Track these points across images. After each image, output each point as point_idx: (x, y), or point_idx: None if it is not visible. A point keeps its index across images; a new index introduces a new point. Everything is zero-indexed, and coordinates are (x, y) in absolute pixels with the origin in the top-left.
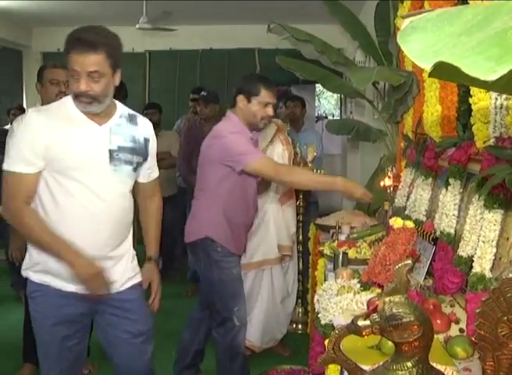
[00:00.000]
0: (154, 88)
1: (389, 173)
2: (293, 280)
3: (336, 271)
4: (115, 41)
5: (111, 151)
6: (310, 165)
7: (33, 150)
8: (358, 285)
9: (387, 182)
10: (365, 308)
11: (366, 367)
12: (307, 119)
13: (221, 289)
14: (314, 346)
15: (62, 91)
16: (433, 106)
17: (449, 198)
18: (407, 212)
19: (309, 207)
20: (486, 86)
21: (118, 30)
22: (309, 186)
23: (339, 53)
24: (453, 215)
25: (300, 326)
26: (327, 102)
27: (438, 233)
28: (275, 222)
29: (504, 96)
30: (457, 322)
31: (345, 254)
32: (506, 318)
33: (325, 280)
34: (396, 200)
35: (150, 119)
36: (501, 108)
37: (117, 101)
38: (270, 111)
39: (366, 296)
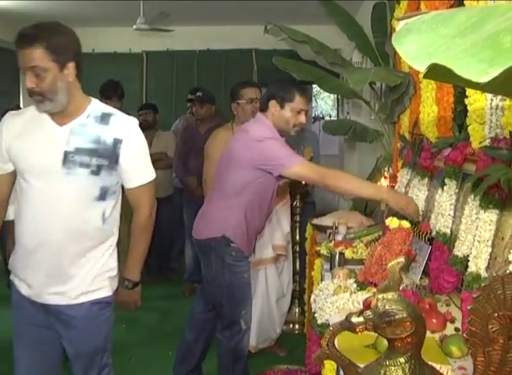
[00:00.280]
0: (151, 89)
1: (386, 174)
2: (287, 280)
3: (333, 271)
4: (59, 34)
5: (66, 153)
6: None
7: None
8: (355, 285)
9: (384, 182)
10: (361, 307)
11: (362, 365)
12: None
13: (231, 293)
14: (310, 346)
15: None
16: (429, 107)
17: (445, 198)
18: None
19: (306, 207)
20: (479, 87)
21: (115, 31)
22: (353, 193)
23: (335, 54)
24: (449, 215)
25: (296, 326)
26: (324, 103)
27: (434, 233)
28: (269, 222)
29: (500, 97)
30: (453, 321)
31: (341, 254)
32: (496, 314)
33: (321, 280)
34: None
35: (144, 120)
36: (496, 109)
37: (95, 100)
38: (303, 118)
39: (362, 296)
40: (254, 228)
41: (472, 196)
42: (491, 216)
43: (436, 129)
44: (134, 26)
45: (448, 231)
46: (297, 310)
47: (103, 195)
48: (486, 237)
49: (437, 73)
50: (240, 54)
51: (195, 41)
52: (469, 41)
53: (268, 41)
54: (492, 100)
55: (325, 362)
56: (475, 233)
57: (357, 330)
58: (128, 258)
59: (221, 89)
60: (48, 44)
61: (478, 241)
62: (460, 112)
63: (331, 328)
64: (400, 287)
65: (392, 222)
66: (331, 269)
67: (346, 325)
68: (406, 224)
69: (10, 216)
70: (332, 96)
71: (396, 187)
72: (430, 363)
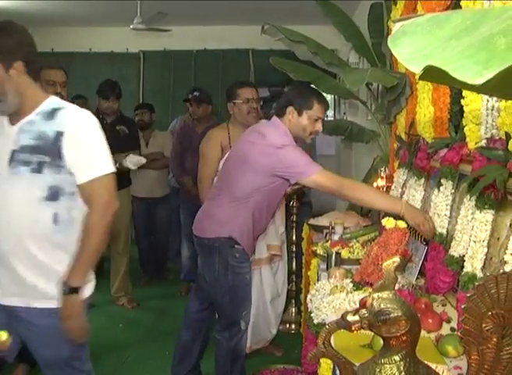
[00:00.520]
0: (148, 88)
1: (382, 174)
2: (282, 280)
3: (329, 271)
4: (3, 36)
5: (13, 153)
6: None
7: None
8: (351, 285)
9: (380, 182)
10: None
11: (358, 364)
12: None
13: (233, 294)
14: (307, 345)
15: (58, 91)
16: (426, 107)
17: (441, 198)
18: None
19: (302, 207)
20: (475, 89)
21: (112, 31)
22: (370, 204)
23: (332, 54)
24: (445, 215)
25: (293, 326)
26: None
27: None
28: None
29: (495, 98)
30: (449, 321)
31: (338, 254)
32: (490, 313)
33: (317, 280)
34: None
35: (140, 119)
36: (492, 109)
37: (52, 97)
38: (319, 126)
39: (358, 295)
40: (259, 229)
41: (468, 196)
42: (487, 216)
43: (432, 129)
44: (131, 26)
45: (444, 231)
46: (294, 310)
47: (53, 196)
48: (482, 237)
49: (432, 74)
50: (237, 54)
51: (192, 40)
52: (464, 43)
53: (265, 41)
54: (488, 101)
55: (321, 360)
56: (471, 234)
57: (353, 328)
58: (73, 260)
59: (218, 89)
60: None
61: (474, 241)
62: (457, 112)
63: (327, 326)
64: (396, 287)
65: (388, 222)
66: (327, 268)
67: (342, 323)
68: (402, 224)
69: None
70: (328, 96)
71: (393, 187)
72: (426, 363)
